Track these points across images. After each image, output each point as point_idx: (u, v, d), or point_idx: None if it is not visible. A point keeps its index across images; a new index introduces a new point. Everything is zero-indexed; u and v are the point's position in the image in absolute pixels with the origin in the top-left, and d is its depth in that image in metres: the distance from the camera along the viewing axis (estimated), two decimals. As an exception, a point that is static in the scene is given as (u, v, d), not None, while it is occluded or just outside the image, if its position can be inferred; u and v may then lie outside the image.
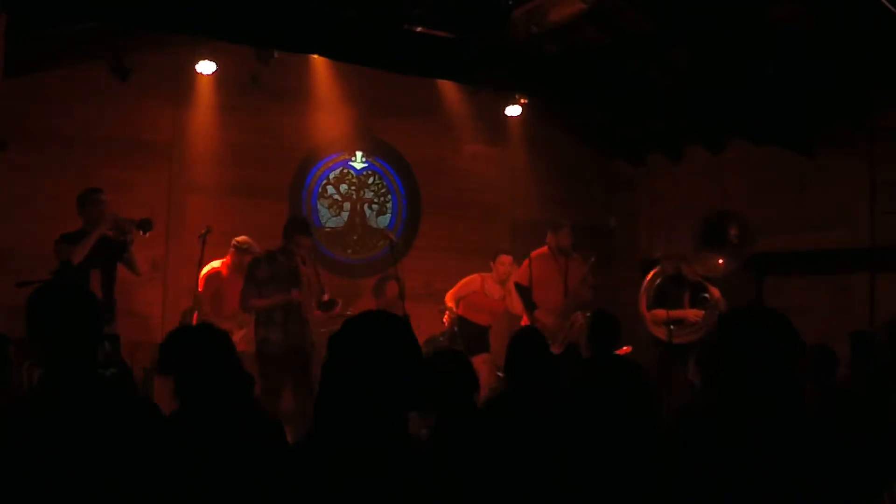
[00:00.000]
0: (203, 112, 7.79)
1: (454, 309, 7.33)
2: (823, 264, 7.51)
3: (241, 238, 6.89)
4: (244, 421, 2.94)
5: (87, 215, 5.97)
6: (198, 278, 6.71)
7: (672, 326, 6.64)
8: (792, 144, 7.60)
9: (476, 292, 7.39)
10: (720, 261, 6.55)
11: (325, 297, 6.40)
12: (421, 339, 7.32)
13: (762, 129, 7.48)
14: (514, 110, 8.41)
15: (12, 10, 4.96)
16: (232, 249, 6.89)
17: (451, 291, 7.43)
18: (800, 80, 6.98)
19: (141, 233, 6.03)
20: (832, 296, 7.22)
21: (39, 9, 5.37)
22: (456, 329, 7.32)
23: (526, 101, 8.28)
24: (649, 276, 6.97)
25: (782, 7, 6.25)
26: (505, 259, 7.35)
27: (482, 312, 7.36)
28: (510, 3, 6.33)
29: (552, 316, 6.86)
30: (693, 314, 6.70)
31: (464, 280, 7.46)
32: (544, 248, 7.14)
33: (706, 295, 6.74)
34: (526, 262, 7.07)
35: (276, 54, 6.98)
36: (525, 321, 6.98)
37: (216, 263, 6.92)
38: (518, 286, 6.98)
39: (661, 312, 6.75)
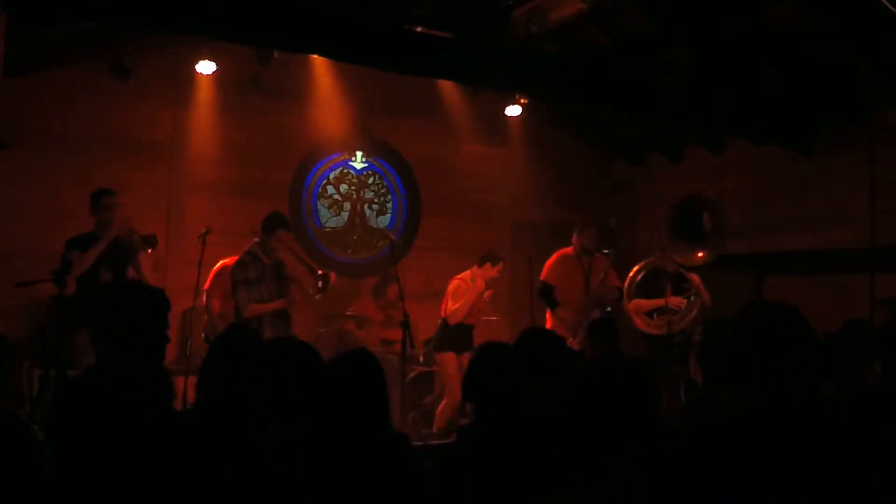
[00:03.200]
0: (203, 112, 7.78)
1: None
2: (823, 264, 7.51)
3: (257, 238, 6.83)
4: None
5: (98, 217, 5.91)
6: (198, 278, 6.66)
7: (655, 315, 6.66)
8: (792, 144, 7.60)
9: (464, 293, 7.22)
10: (700, 254, 6.55)
11: (320, 272, 6.33)
12: (420, 338, 7.34)
13: (762, 129, 7.48)
14: (514, 110, 8.41)
15: (12, 10, 4.96)
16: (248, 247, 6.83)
17: (455, 306, 7.09)
18: (800, 80, 6.98)
19: (149, 250, 6.02)
20: (832, 296, 7.22)
21: (39, 9, 5.37)
22: (441, 333, 7.20)
23: (526, 101, 8.28)
24: (632, 272, 6.98)
25: (782, 7, 6.25)
26: (501, 266, 7.30)
27: (472, 314, 7.25)
28: (510, 3, 6.33)
29: (572, 312, 6.89)
30: (674, 301, 6.69)
31: (451, 290, 7.19)
32: (569, 249, 7.15)
33: (686, 284, 6.75)
34: (552, 259, 7.05)
35: (276, 54, 6.97)
36: (549, 318, 7.00)
37: (226, 261, 6.86)
38: (544, 284, 6.98)
39: (642, 302, 6.78)
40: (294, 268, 6.37)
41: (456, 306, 7.07)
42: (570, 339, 6.74)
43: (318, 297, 6.43)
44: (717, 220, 6.57)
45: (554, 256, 7.11)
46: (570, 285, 6.96)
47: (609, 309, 6.99)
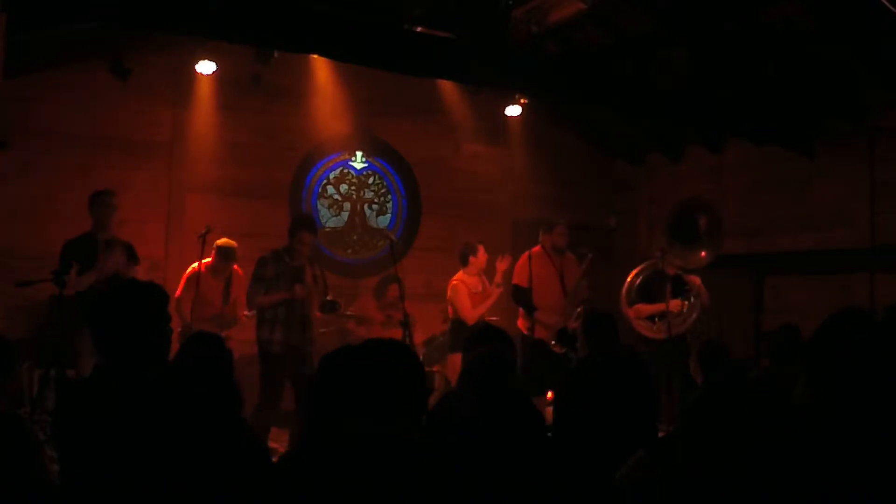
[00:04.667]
0: (203, 112, 7.79)
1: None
2: (823, 264, 7.51)
3: (222, 240, 6.80)
4: (232, 436, 2.91)
5: (94, 216, 5.97)
6: (197, 278, 6.66)
7: (657, 320, 6.63)
8: (792, 144, 7.60)
9: (468, 295, 7.04)
10: (700, 255, 6.52)
11: (329, 297, 6.35)
12: (420, 338, 7.33)
13: (762, 129, 7.48)
14: (514, 110, 8.41)
15: (12, 10, 4.95)
16: (213, 251, 6.80)
17: (475, 310, 6.90)
18: (800, 80, 6.98)
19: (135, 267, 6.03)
20: (832, 296, 7.21)
21: (39, 9, 5.37)
22: (453, 334, 7.11)
23: (526, 101, 8.28)
24: (631, 275, 6.94)
25: (782, 7, 6.25)
26: (482, 248, 7.19)
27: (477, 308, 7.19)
28: (510, 3, 6.32)
29: (554, 315, 6.82)
30: (675, 305, 6.65)
31: (454, 294, 6.98)
32: (538, 248, 7.06)
33: (686, 286, 6.72)
34: (520, 262, 6.95)
35: (276, 54, 6.97)
36: (521, 321, 6.93)
37: (195, 265, 6.83)
38: (516, 287, 6.89)
39: (643, 307, 6.74)
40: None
41: (477, 311, 6.87)
42: (553, 343, 6.67)
43: (318, 313, 6.41)
44: (713, 222, 6.54)
45: (522, 258, 6.94)
46: (545, 285, 6.83)
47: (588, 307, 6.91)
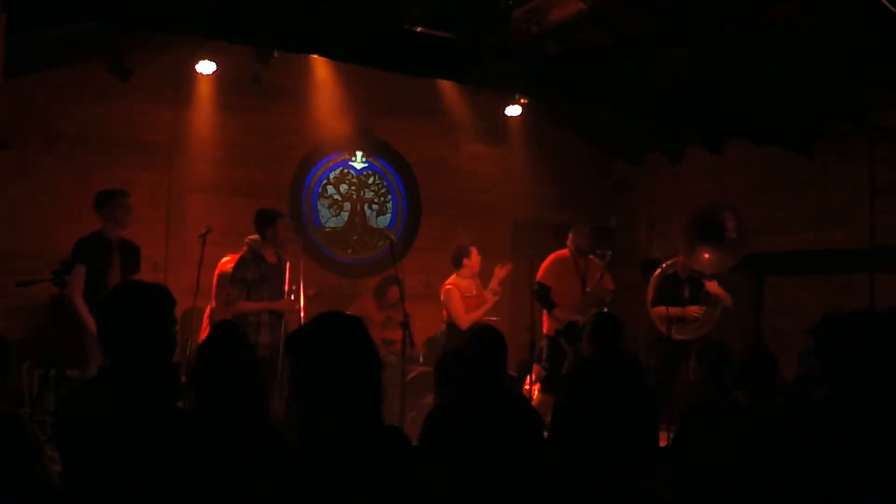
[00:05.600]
0: (203, 112, 7.79)
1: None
2: (823, 264, 7.51)
3: (255, 236, 6.79)
4: (255, 423, 2.93)
5: (113, 219, 5.88)
6: (198, 278, 6.64)
7: (675, 322, 6.64)
8: (792, 145, 7.60)
9: (462, 299, 7.08)
10: (706, 255, 6.54)
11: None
12: (421, 339, 7.30)
13: (762, 129, 7.48)
14: (514, 110, 8.41)
15: (12, 10, 4.95)
16: (245, 248, 6.78)
17: (469, 315, 6.93)
18: (800, 80, 6.98)
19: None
20: (832, 296, 7.21)
21: (39, 9, 5.37)
22: (449, 339, 7.10)
23: (526, 101, 8.28)
24: (656, 273, 6.97)
25: (782, 7, 6.25)
26: (475, 250, 7.20)
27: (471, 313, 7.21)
28: (510, 3, 6.33)
29: (569, 312, 6.86)
30: (693, 311, 6.71)
31: (447, 298, 7.03)
32: (564, 251, 7.12)
33: (704, 290, 6.74)
34: (548, 261, 7.03)
35: (276, 54, 6.96)
36: (546, 320, 6.97)
37: (226, 259, 6.83)
38: (540, 285, 6.95)
39: (661, 310, 6.76)
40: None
41: (471, 316, 6.91)
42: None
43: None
44: (741, 227, 6.56)
45: (549, 258, 7.07)
46: (566, 287, 6.92)
47: (605, 309, 6.97)
